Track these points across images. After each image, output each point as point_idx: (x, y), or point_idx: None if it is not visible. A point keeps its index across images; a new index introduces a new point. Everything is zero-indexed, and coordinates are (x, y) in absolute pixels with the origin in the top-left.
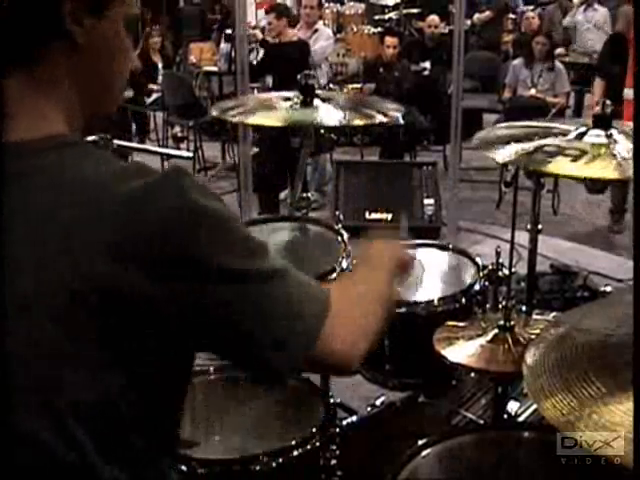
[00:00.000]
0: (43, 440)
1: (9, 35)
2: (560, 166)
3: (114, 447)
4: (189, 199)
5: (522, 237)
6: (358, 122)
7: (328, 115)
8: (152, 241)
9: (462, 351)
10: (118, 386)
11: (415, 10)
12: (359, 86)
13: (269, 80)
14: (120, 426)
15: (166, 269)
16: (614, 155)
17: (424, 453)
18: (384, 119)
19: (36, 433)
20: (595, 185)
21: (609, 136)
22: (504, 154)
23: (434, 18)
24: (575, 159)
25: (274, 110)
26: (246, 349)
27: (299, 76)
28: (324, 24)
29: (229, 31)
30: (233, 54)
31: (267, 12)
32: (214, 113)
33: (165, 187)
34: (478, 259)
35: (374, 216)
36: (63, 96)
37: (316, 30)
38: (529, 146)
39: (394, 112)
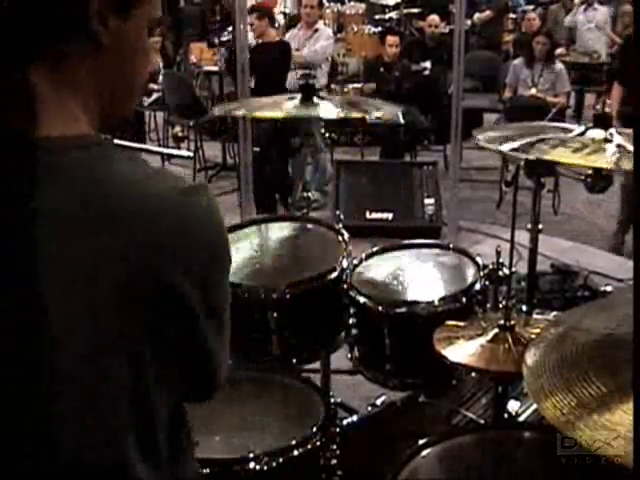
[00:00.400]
0: (87, 434)
1: (34, 30)
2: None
3: (148, 443)
4: (217, 217)
5: (522, 237)
6: (355, 115)
7: (327, 110)
8: (178, 243)
9: (462, 351)
10: (152, 378)
11: (415, 10)
12: (359, 86)
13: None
14: (152, 420)
15: (194, 273)
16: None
17: (424, 453)
18: (380, 114)
19: (80, 428)
20: (596, 185)
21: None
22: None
23: (434, 18)
24: (576, 150)
25: (277, 107)
26: (207, 365)
27: (292, 76)
28: (324, 24)
29: (225, 38)
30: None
31: (249, 12)
32: (217, 112)
33: (196, 198)
34: (478, 259)
35: (374, 216)
36: (86, 96)
37: (316, 30)
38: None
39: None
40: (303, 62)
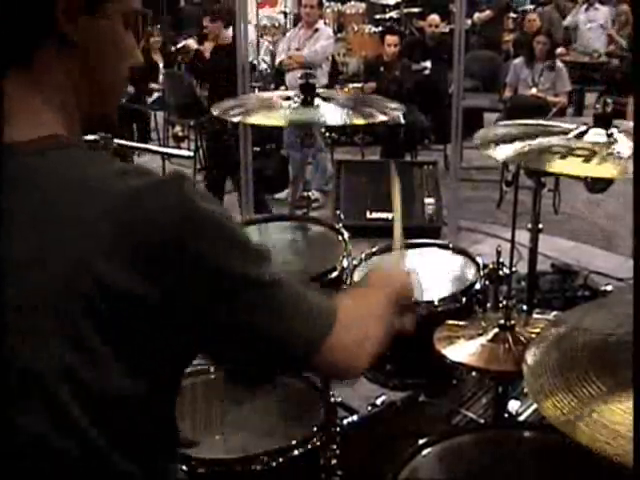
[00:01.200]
0: (44, 434)
1: (2, 35)
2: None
3: (126, 440)
4: (190, 200)
5: (523, 236)
6: (359, 121)
7: (329, 114)
8: (152, 240)
9: (463, 350)
10: (126, 380)
11: (416, 9)
12: (360, 85)
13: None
14: (129, 418)
15: (166, 269)
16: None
17: (424, 452)
18: (385, 118)
19: (41, 428)
20: (596, 184)
21: (609, 135)
22: (505, 152)
23: (435, 17)
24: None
25: (274, 110)
26: (253, 349)
27: (294, 76)
28: (324, 23)
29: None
30: None
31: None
32: (214, 112)
33: (166, 187)
34: (479, 258)
35: (375, 215)
36: (60, 96)
37: (317, 29)
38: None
39: (395, 111)
40: (303, 62)
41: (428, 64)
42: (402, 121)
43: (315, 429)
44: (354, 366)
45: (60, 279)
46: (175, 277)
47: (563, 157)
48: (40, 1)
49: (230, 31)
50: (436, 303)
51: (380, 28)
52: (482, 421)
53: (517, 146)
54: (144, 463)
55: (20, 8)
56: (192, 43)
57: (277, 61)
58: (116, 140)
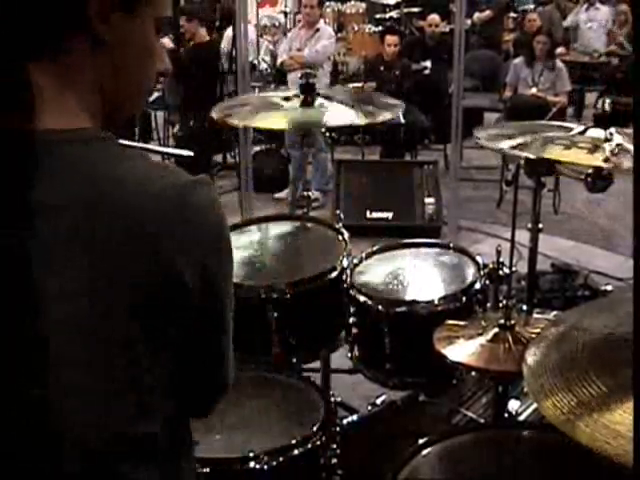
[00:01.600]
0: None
1: (34, 27)
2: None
3: (145, 445)
4: (218, 212)
5: (523, 236)
6: (361, 121)
7: (331, 115)
8: (184, 242)
9: (462, 350)
10: (150, 375)
11: (416, 9)
12: (360, 85)
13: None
14: (152, 421)
15: (196, 265)
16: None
17: (424, 452)
18: (387, 115)
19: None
20: (596, 184)
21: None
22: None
23: (435, 17)
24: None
25: (275, 111)
26: (214, 364)
27: (295, 77)
28: (324, 23)
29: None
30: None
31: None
32: (214, 115)
33: (197, 193)
34: (479, 258)
35: (375, 215)
36: (88, 91)
37: (318, 29)
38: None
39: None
40: (304, 63)
41: (428, 64)
42: (402, 121)
43: (315, 429)
44: None
45: (95, 275)
46: (196, 280)
47: (568, 148)
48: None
49: (204, 30)
50: (436, 303)
51: (380, 28)
52: (482, 421)
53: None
54: (164, 470)
55: (55, 1)
56: (167, 42)
57: (278, 62)
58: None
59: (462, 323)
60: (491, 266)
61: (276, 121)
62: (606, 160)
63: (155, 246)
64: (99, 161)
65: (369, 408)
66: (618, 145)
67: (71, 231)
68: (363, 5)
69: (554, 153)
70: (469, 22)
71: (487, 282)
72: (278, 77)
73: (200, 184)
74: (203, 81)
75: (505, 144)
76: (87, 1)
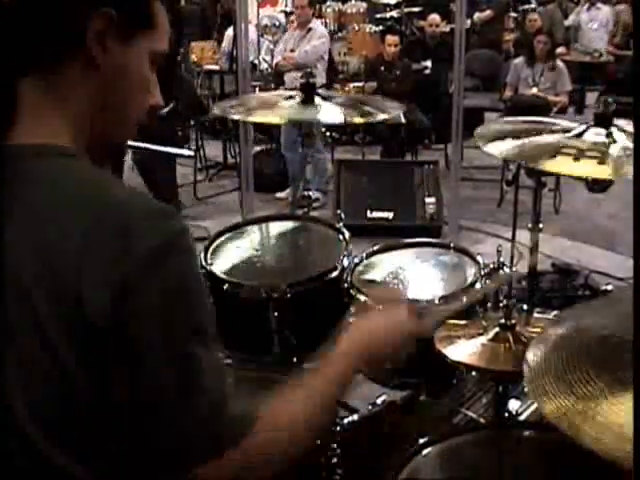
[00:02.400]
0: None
1: (33, 39)
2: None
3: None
4: (170, 249)
5: (523, 236)
6: (358, 120)
7: (329, 113)
8: (130, 274)
9: (463, 350)
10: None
11: (416, 9)
12: (360, 85)
13: None
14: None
15: (131, 306)
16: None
17: (425, 452)
18: (385, 116)
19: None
20: (596, 184)
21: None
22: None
23: (435, 17)
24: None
25: (275, 108)
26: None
27: (290, 77)
28: (325, 23)
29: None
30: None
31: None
32: (215, 111)
33: (154, 227)
34: (479, 258)
35: (375, 215)
36: (75, 111)
37: (310, 29)
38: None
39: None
40: (296, 64)
41: (428, 64)
42: (403, 120)
43: None
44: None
45: (49, 286)
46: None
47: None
48: (73, 16)
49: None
50: (436, 302)
51: (381, 28)
52: (482, 421)
53: (517, 143)
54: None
55: (51, 16)
56: None
57: (274, 63)
58: None
59: (463, 323)
60: (492, 266)
61: (274, 118)
62: (616, 172)
63: (91, 267)
64: (61, 176)
65: (369, 408)
66: (625, 149)
67: (24, 241)
68: (364, 5)
69: (564, 166)
70: (469, 22)
71: (488, 282)
72: (275, 78)
73: (166, 215)
74: (164, 81)
75: (508, 147)
76: (87, 23)
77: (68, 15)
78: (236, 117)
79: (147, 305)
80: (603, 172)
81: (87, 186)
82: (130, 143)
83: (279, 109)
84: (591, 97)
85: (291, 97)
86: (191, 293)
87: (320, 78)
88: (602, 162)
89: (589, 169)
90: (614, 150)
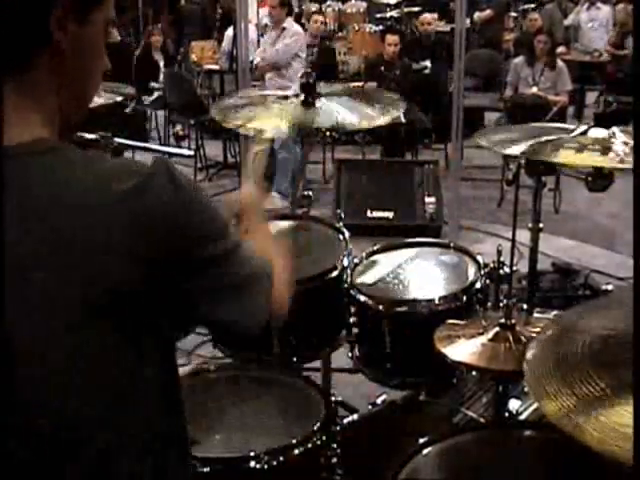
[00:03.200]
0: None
1: (2, 41)
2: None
3: (137, 432)
4: (180, 195)
5: (523, 235)
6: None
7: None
8: (149, 237)
9: (463, 349)
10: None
11: (416, 8)
12: (360, 84)
13: None
14: (139, 408)
15: (162, 263)
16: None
17: (425, 451)
18: (387, 120)
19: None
20: (596, 183)
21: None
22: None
23: (426, 16)
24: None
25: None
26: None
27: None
28: (325, 23)
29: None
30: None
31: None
32: (214, 113)
33: (156, 185)
34: (479, 257)
35: (375, 214)
36: (44, 99)
37: (284, 29)
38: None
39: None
40: (270, 63)
41: (428, 63)
42: (403, 120)
43: (316, 428)
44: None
45: (60, 280)
46: (172, 270)
47: (579, 151)
48: (36, 12)
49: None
50: (437, 302)
51: (381, 27)
52: (482, 420)
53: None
54: (153, 462)
55: (16, 17)
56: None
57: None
58: (116, 139)
59: (463, 322)
60: (492, 265)
61: (275, 123)
62: (622, 162)
63: (108, 238)
64: (58, 169)
65: (369, 407)
66: (626, 143)
67: (35, 237)
68: (364, 4)
69: (568, 157)
70: (469, 21)
71: (488, 281)
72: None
73: (158, 174)
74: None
75: (512, 149)
76: (49, 15)
77: (32, 12)
78: (235, 123)
79: (189, 222)
80: (607, 162)
81: (90, 170)
82: (130, 143)
83: (280, 112)
84: (591, 97)
85: (287, 97)
86: (209, 202)
87: (296, 77)
88: (605, 153)
89: (593, 159)
90: (616, 143)
